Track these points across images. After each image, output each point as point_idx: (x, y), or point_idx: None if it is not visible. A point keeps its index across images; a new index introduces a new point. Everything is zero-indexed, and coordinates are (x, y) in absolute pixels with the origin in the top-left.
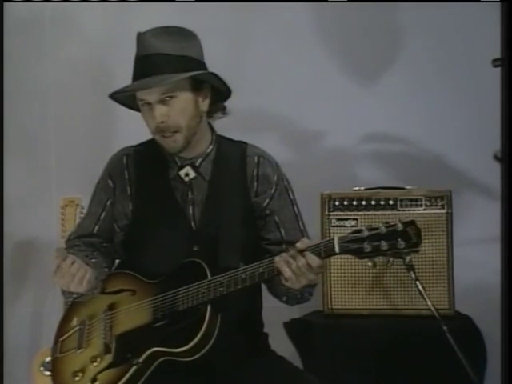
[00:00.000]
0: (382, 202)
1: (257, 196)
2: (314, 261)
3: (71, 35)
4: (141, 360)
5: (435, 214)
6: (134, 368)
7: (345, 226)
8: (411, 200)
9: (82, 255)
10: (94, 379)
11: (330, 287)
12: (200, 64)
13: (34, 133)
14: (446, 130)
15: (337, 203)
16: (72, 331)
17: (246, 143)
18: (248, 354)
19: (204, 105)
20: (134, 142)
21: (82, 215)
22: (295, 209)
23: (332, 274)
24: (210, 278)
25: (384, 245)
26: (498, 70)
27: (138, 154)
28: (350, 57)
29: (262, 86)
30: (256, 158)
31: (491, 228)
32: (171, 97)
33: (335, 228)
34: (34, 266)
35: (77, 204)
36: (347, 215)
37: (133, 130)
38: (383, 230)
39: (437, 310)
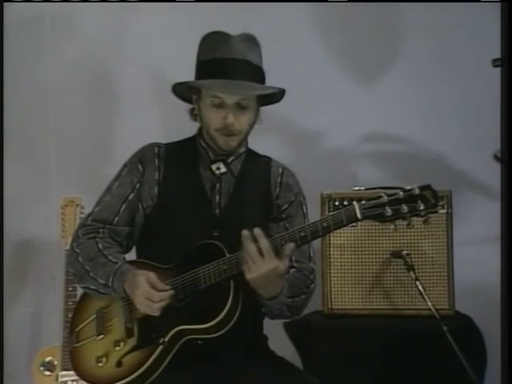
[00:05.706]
0: None
1: (277, 199)
2: (266, 245)
3: (71, 35)
4: (166, 339)
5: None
6: (160, 348)
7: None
8: None
9: (99, 239)
10: (119, 363)
11: (330, 287)
12: (264, 76)
13: (34, 133)
14: (446, 130)
15: (337, 203)
16: (88, 320)
17: (270, 158)
18: (248, 355)
19: (261, 115)
20: (134, 142)
21: (83, 212)
22: (306, 223)
23: (332, 274)
24: (228, 255)
25: (404, 208)
26: (498, 70)
27: (169, 148)
28: (350, 57)
29: None
30: (280, 169)
31: (491, 228)
32: (247, 104)
33: None
34: (34, 266)
35: (77, 204)
36: None
37: (133, 130)
38: (401, 194)
39: (437, 310)
